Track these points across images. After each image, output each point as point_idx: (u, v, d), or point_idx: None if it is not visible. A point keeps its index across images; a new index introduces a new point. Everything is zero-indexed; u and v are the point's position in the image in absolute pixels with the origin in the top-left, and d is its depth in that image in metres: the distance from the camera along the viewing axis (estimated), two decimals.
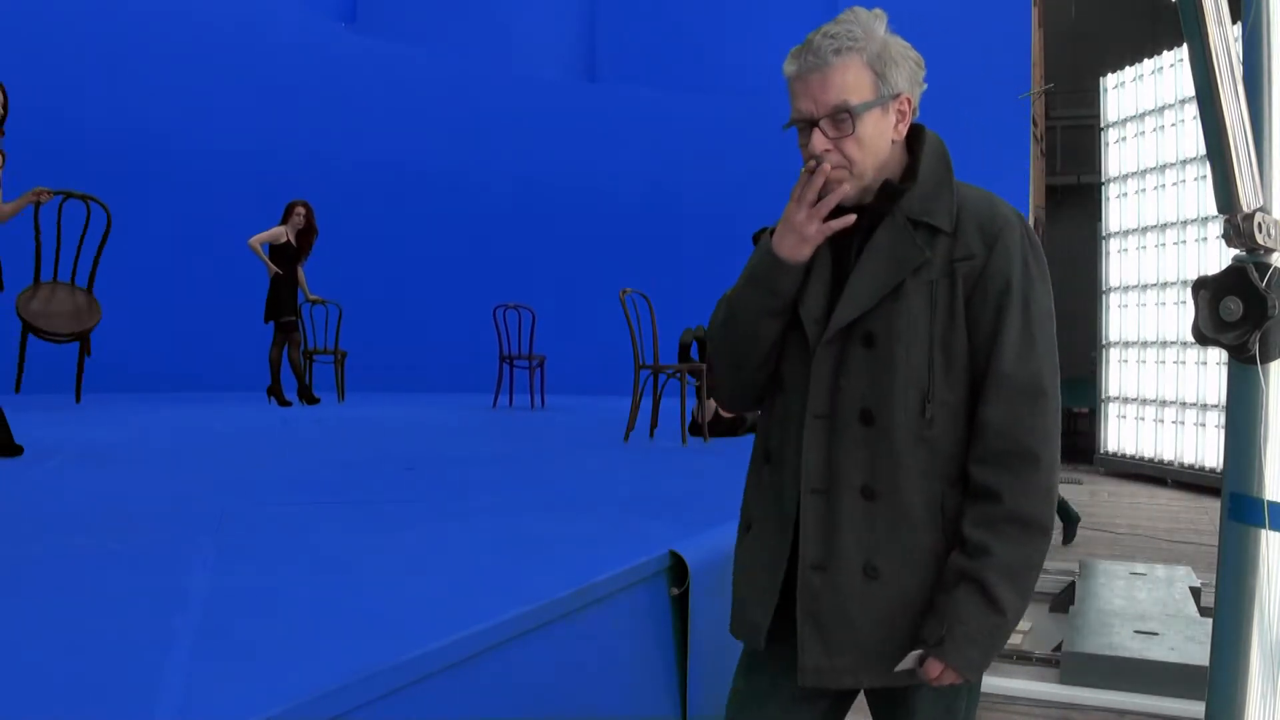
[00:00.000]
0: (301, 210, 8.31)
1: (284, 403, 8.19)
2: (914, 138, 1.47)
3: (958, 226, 1.39)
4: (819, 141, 1.38)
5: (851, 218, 1.40)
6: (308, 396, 8.31)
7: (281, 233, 8.24)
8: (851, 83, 1.37)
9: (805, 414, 1.42)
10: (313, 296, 8.65)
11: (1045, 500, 1.35)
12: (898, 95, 1.40)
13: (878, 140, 1.40)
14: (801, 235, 1.40)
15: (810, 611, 1.40)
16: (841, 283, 1.43)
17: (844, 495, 1.39)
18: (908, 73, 1.41)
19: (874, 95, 1.38)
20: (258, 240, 8.13)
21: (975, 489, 1.36)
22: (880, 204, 1.42)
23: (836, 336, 1.41)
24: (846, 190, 1.39)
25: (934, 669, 1.34)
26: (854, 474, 1.39)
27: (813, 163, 1.38)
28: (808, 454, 1.41)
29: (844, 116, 1.37)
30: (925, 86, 1.45)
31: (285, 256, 8.22)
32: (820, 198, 1.39)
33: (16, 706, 1.44)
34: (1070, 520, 6.45)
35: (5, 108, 4.55)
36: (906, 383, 1.37)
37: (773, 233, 1.45)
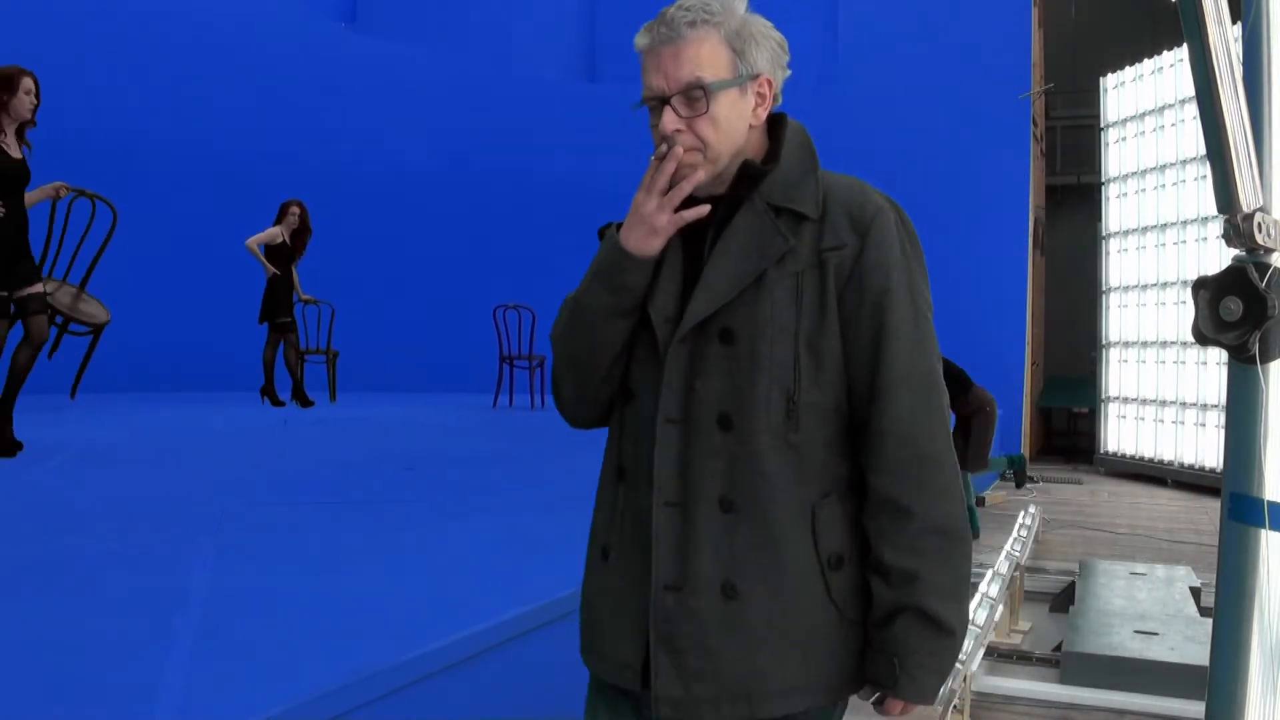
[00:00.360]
0: (296, 210, 8.30)
1: (277, 403, 8.18)
2: (774, 125, 1.36)
3: (825, 213, 1.28)
4: (670, 120, 1.27)
5: (705, 208, 1.29)
6: (302, 398, 8.29)
7: (277, 233, 8.23)
8: (706, 58, 1.27)
9: (657, 420, 1.29)
10: (305, 296, 8.64)
11: (955, 503, 1.26)
12: (757, 76, 1.30)
13: (734, 122, 1.29)
14: (651, 226, 1.28)
15: (664, 636, 1.26)
16: (695, 278, 1.30)
17: (700, 508, 1.26)
18: (769, 53, 1.31)
19: (731, 73, 1.28)
20: (255, 241, 8.13)
21: (881, 503, 1.26)
22: (737, 191, 1.31)
23: (690, 334, 1.28)
24: (700, 176, 1.28)
25: (895, 707, 1.28)
26: (711, 485, 1.26)
27: (663, 148, 1.27)
28: (660, 463, 1.28)
29: (698, 94, 1.26)
30: (789, 72, 1.35)
31: (281, 256, 8.22)
32: (672, 185, 1.28)
33: (16, 706, 1.44)
34: (1016, 465, 6.67)
35: (38, 96, 4.61)
36: (770, 383, 1.25)
37: (620, 227, 1.32)
